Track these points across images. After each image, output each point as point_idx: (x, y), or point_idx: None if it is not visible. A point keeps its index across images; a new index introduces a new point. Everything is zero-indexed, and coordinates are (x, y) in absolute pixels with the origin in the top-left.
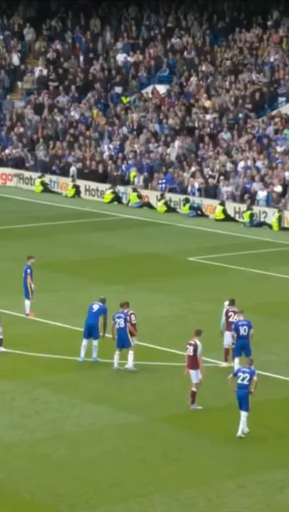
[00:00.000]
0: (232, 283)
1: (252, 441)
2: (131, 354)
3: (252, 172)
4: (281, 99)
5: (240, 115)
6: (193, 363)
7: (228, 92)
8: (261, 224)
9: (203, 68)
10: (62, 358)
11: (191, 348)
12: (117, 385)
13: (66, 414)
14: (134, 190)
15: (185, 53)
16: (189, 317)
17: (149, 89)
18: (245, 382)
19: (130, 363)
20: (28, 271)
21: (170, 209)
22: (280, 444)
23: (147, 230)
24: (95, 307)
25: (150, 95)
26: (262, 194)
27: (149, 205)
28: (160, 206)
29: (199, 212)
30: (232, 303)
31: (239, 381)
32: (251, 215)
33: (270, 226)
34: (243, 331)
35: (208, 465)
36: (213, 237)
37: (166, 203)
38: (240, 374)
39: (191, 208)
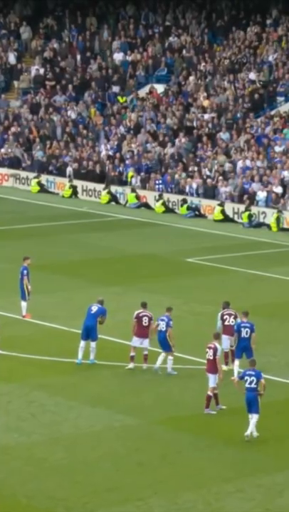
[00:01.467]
0: (231, 284)
1: (251, 444)
2: (170, 359)
3: (251, 172)
4: (280, 98)
5: (239, 114)
6: (213, 366)
7: (226, 92)
8: (260, 225)
9: (202, 67)
10: (59, 360)
11: (211, 352)
12: (115, 387)
13: (63, 417)
14: (133, 190)
15: (183, 52)
16: (188, 318)
17: (146, 88)
18: (253, 385)
19: (169, 367)
20: (25, 272)
21: (168, 209)
22: (280, 447)
23: (145, 231)
24: (94, 308)
25: (148, 94)
26: (261, 195)
27: (147, 206)
28: (158, 207)
29: (197, 212)
30: (226, 305)
31: (247, 385)
32: (250, 216)
33: (269, 227)
34: (244, 333)
35: (206, 468)
36: (212, 237)
37: (164, 204)
38: (246, 378)
39: (189, 208)
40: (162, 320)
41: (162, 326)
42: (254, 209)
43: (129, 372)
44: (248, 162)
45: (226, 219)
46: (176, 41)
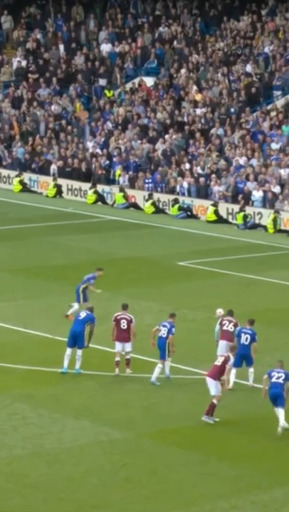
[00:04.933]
0: (225, 289)
1: (246, 459)
2: (167, 364)
3: (246, 170)
4: (277, 92)
5: (233, 109)
6: (217, 373)
7: (220, 85)
8: (256, 226)
9: (194, 59)
10: (42, 370)
11: (221, 359)
12: (101, 399)
13: (46, 430)
14: (121, 190)
15: (174, 43)
16: (179, 326)
17: (135, 81)
18: (281, 380)
19: (167, 370)
20: (92, 281)
21: (158, 210)
22: (277, 461)
23: (134, 233)
24: (82, 314)
25: (137, 88)
26: (257, 194)
27: (136, 206)
28: (148, 207)
29: (189, 213)
30: (230, 313)
31: (274, 380)
32: (245, 217)
33: (265, 228)
34: (244, 339)
35: (198, 484)
36: (205, 240)
37: (154, 204)
38: (274, 374)
39: (181, 208)
40: (164, 326)
41: (164, 332)
42: (249, 209)
43: (116, 382)
44: (242, 160)
45: (220, 220)
46: (166, 31)
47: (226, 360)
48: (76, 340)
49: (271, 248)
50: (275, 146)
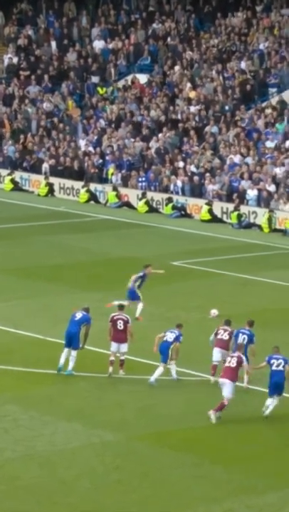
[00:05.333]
0: (219, 289)
1: (240, 461)
2: (173, 368)
3: (240, 169)
4: (272, 89)
5: (228, 107)
6: (234, 375)
7: (214, 82)
8: (250, 225)
9: (188, 56)
10: (34, 371)
11: (234, 360)
12: (94, 401)
13: (38, 433)
14: (114, 189)
15: (168, 40)
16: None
17: (128, 78)
18: (281, 368)
19: (174, 373)
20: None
21: (152, 209)
22: (272, 463)
23: (127, 232)
24: (78, 315)
25: (130, 85)
26: (252, 193)
27: (129, 205)
28: (141, 206)
29: (183, 212)
30: (227, 323)
31: (274, 368)
32: (239, 216)
33: (260, 227)
34: (241, 339)
35: (192, 487)
36: (199, 239)
37: (147, 203)
38: (273, 361)
39: (175, 208)
40: (172, 332)
41: (170, 336)
42: (244, 208)
43: (109, 383)
44: (237, 158)
45: (214, 219)
46: (160, 28)
47: (240, 362)
48: (71, 340)
49: (266, 248)
50: (270, 144)
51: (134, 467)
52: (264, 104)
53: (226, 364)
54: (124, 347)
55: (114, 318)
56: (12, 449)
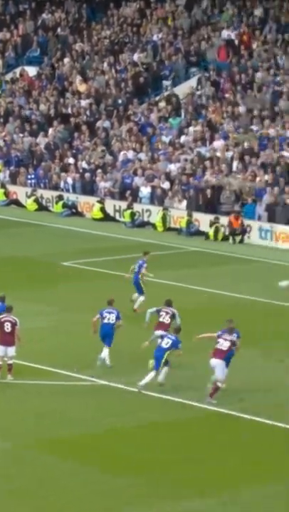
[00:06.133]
0: (112, 290)
1: (135, 469)
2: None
3: (133, 165)
4: (166, 82)
5: (120, 101)
6: (225, 355)
7: (106, 75)
8: (144, 224)
9: (78, 47)
10: None
11: (227, 344)
12: None
13: None
14: (2, 186)
15: (58, 30)
16: (63, 328)
17: (16, 71)
18: (163, 345)
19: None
20: (145, 265)
21: (41, 207)
22: (167, 472)
23: (16, 231)
24: None
25: (18, 78)
26: (145, 190)
27: (18, 203)
28: (30, 204)
29: (74, 210)
30: (168, 303)
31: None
32: (133, 214)
33: (154, 226)
34: (164, 343)
35: (85, 496)
36: (91, 238)
37: (36, 201)
38: (166, 339)
39: (65, 206)
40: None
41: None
42: (137, 206)
43: (3, 388)
44: (130, 154)
45: (106, 218)
46: (49, 18)
47: (233, 344)
48: None
49: (160, 247)
50: (164, 139)
51: (28, 476)
52: (158, 98)
53: (217, 346)
54: (11, 350)
55: (2, 320)
56: None
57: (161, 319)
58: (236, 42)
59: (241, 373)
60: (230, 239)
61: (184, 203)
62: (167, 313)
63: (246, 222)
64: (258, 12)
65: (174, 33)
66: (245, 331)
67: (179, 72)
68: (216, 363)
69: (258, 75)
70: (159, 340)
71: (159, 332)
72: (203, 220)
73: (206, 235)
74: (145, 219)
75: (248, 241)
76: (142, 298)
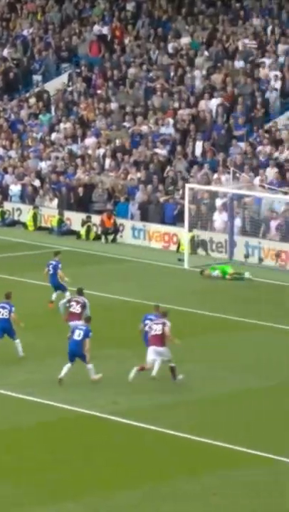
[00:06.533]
0: None
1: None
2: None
3: (3, 163)
4: (37, 77)
5: None
6: (161, 340)
7: None
8: (14, 223)
9: None
10: None
11: (159, 327)
12: None
13: None
14: None
15: None
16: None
17: None
18: (76, 337)
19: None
20: (60, 266)
21: None
22: (42, 477)
23: None
24: None
25: None
26: (15, 188)
27: None
28: None
29: None
30: (79, 292)
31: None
32: (3, 213)
33: (24, 225)
34: (77, 335)
35: None
36: None
37: None
38: (76, 331)
39: None
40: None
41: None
42: (7, 205)
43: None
44: (0, 151)
45: None
46: None
47: (164, 325)
48: None
49: (31, 247)
50: (35, 136)
51: None
52: (28, 94)
53: (151, 333)
54: None
55: None
56: None
57: (71, 309)
58: (108, 37)
59: (115, 375)
60: (103, 238)
61: (55, 201)
62: (78, 302)
63: (119, 221)
64: (130, 7)
65: (45, 28)
66: (117, 331)
67: (49, 68)
68: (161, 350)
69: (131, 70)
70: (71, 333)
71: (73, 323)
72: (75, 219)
73: (77, 234)
74: (15, 218)
75: (121, 240)
76: (67, 293)
